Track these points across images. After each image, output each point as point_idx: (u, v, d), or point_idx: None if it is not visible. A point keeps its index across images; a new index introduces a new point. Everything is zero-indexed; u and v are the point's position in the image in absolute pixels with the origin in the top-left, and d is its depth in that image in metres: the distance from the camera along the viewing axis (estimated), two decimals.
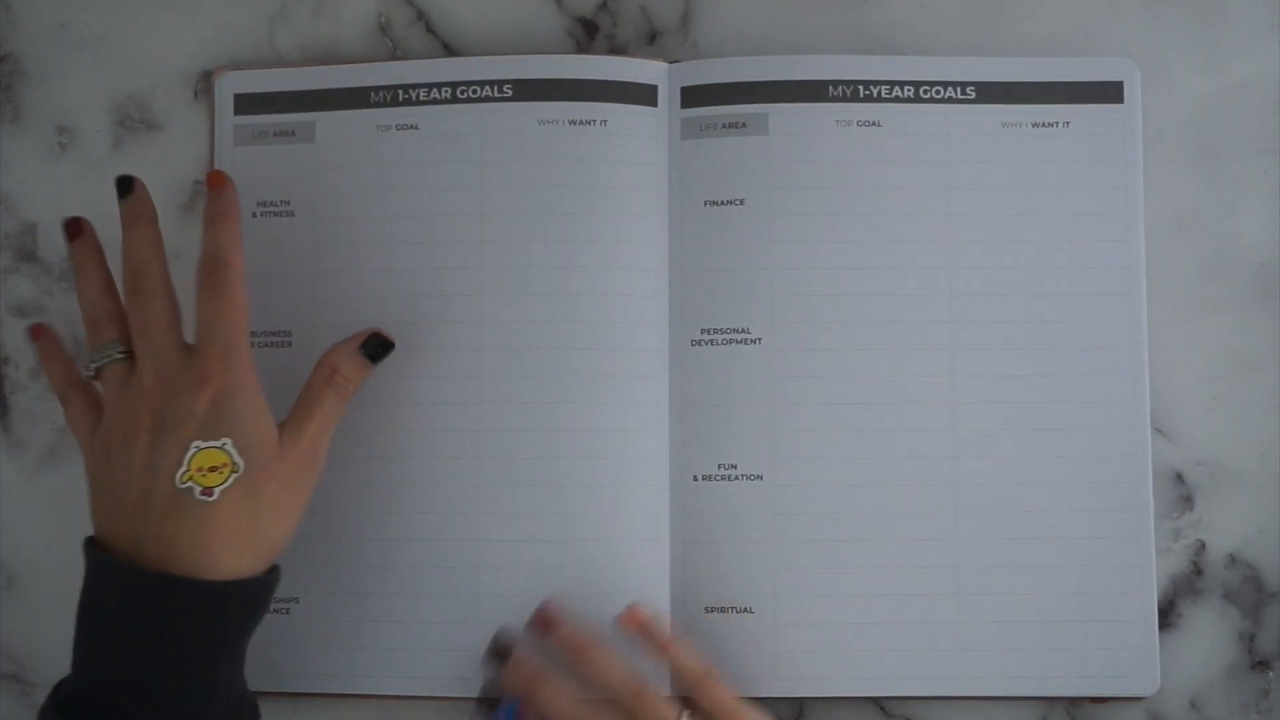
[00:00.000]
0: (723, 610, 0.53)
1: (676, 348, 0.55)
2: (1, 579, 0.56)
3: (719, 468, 0.54)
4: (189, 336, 0.49)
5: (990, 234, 0.55)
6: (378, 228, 0.55)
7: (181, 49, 0.58)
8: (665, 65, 0.56)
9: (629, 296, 0.55)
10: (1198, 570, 0.55)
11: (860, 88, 0.55)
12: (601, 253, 0.55)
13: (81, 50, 0.58)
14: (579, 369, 0.54)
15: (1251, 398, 0.56)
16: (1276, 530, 0.55)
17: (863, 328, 0.54)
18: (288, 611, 0.54)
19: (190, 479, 0.45)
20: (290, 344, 0.55)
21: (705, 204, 0.55)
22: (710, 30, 0.58)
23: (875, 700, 0.54)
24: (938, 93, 0.56)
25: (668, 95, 0.56)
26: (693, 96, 0.56)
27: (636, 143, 0.55)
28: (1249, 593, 0.55)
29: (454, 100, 0.56)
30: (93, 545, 0.46)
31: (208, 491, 0.45)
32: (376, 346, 0.52)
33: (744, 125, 0.55)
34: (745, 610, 0.53)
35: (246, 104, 0.56)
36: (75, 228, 0.51)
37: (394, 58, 0.58)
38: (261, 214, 0.56)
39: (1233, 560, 0.55)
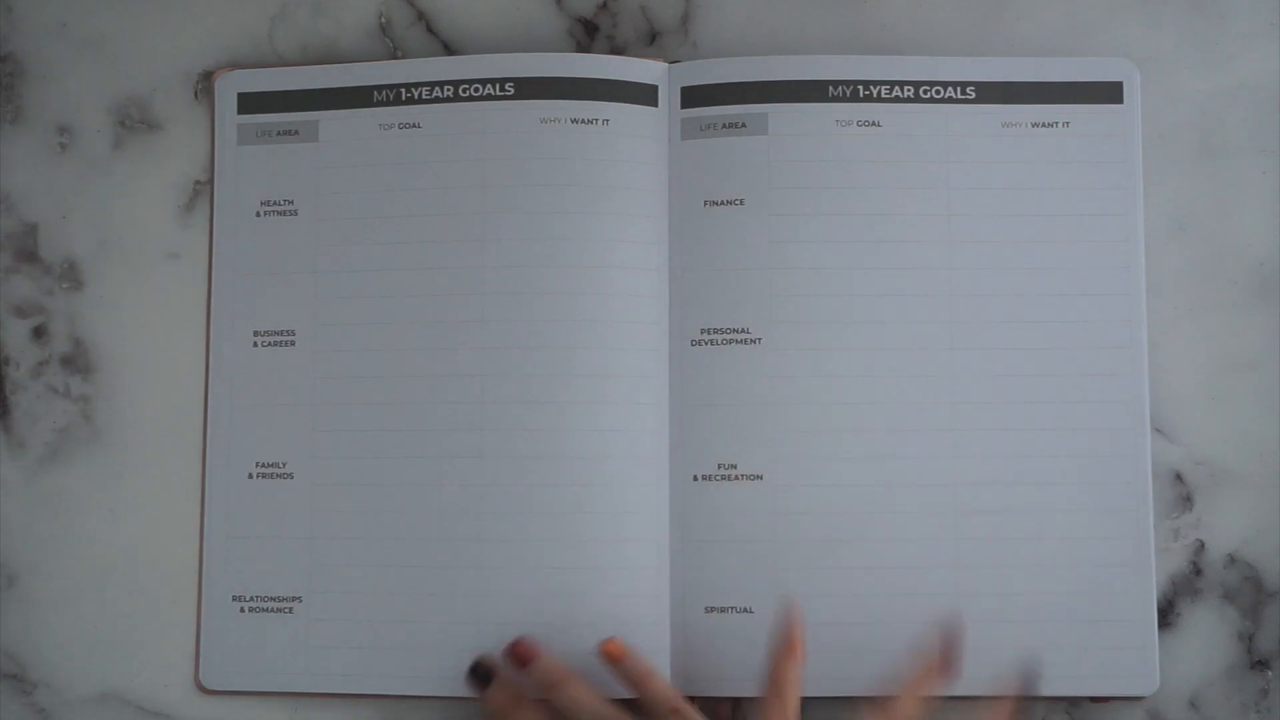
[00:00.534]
0: (722, 610, 0.53)
1: (676, 347, 0.55)
2: (1, 579, 0.56)
3: (718, 467, 0.54)
4: None
5: (990, 234, 0.55)
6: (380, 226, 0.55)
7: (182, 49, 0.58)
8: (665, 65, 0.56)
9: (629, 296, 0.55)
10: (1197, 570, 0.55)
11: (860, 88, 0.55)
12: (601, 252, 0.55)
13: (81, 50, 0.58)
14: (579, 368, 0.54)
15: (1251, 398, 0.56)
16: (1276, 530, 0.55)
17: (862, 328, 0.54)
18: (290, 611, 0.54)
19: None
20: (293, 343, 0.55)
21: (705, 204, 0.55)
22: (710, 30, 0.58)
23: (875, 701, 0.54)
24: (937, 93, 0.56)
25: (668, 95, 0.56)
26: (693, 96, 0.56)
27: (637, 142, 0.55)
28: (1248, 593, 0.55)
29: (456, 99, 0.56)
30: None
31: None
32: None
33: (744, 125, 0.55)
34: (745, 610, 0.53)
35: (249, 103, 0.57)
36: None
37: (394, 58, 0.58)
38: (264, 213, 0.56)
39: (1232, 560, 0.55)
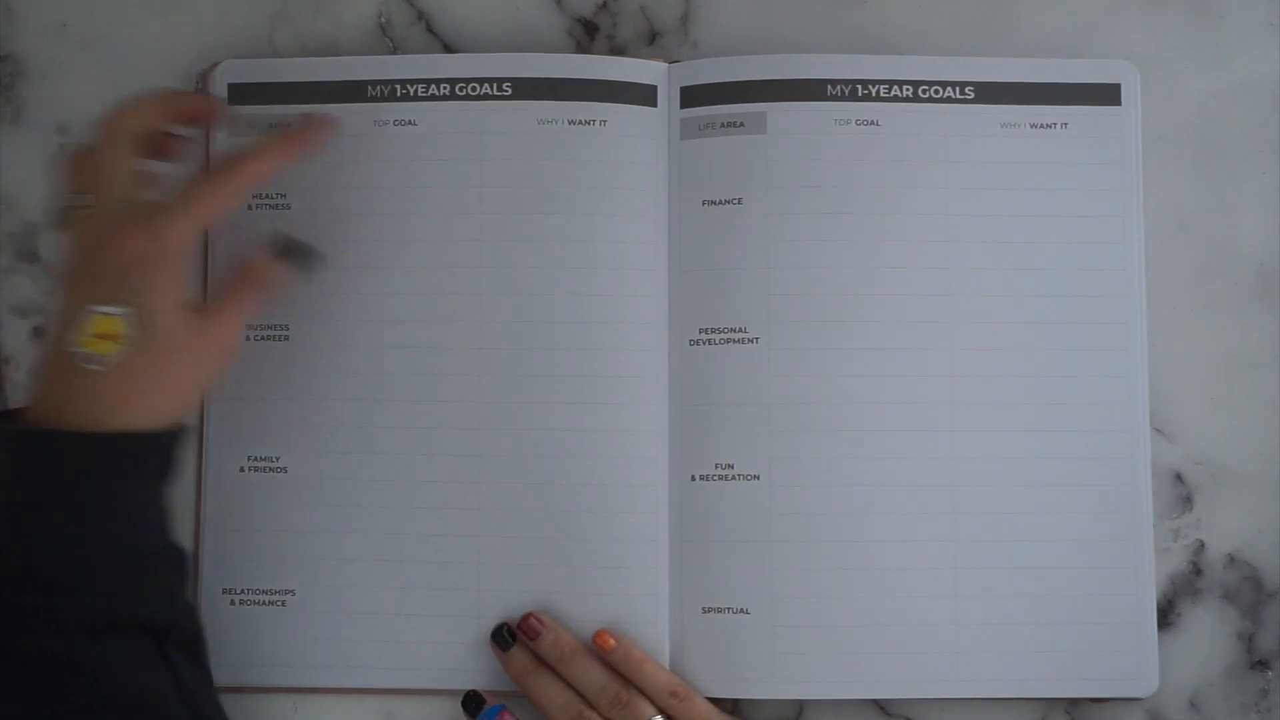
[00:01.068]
0: (719, 610, 0.53)
1: (675, 347, 0.55)
2: None
3: (716, 467, 0.54)
4: None
5: (988, 234, 0.55)
6: (374, 223, 0.55)
7: (181, 49, 0.58)
8: (665, 65, 0.56)
9: (628, 296, 0.55)
10: (1197, 570, 0.55)
11: (859, 87, 0.55)
12: (600, 252, 0.55)
13: (81, 50, 0.58)
14: (577, 368, 0.54)
15: (1251, 398, 0.55)
16: (1276, 530, 0.55)
17: (861, 327, 0.54)
18: (284, 604, 0.54)
19: (81, 343, 0.43)
20: (287, 338, 0.55)
21: (703, 203, 0.55)
22: (710, 30, 0.58)
23: (875, 702, 0.54)
24: (936, 93, 0.56)
25: (667, 95, 0.56)
26: (692, 96, 0.56)
27: (636, 143, 0.55)
28: (1248, 593, 0.55)
29: (453, 97, 0.56)
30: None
31: (97, 359, 0.43)
32: (291, 249, 0.52)
33: (742, 124, 0.55)
34: (742, 611, 0.53)
35: (242, 94, 0.56)
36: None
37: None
38: (257, 206, 0.55)
39: (1232, 560, 0.55)
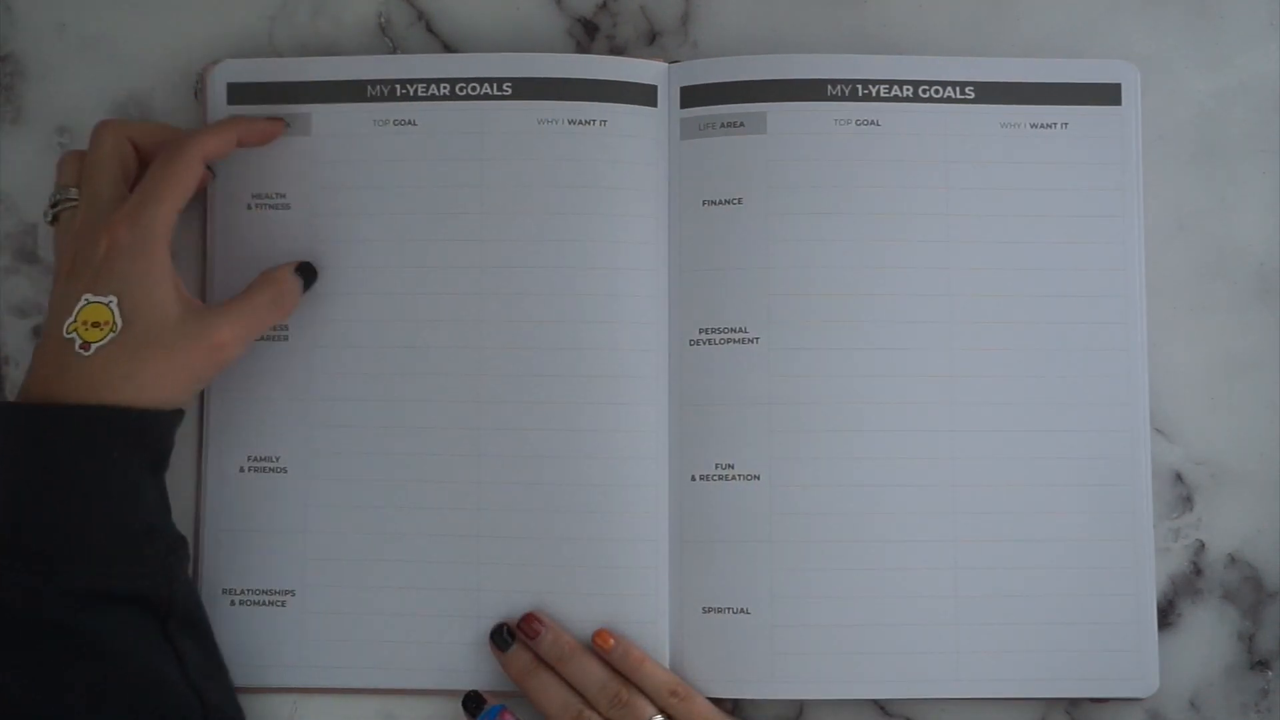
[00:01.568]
0: (720, 610, 0.53)
1: (675, 347, 0.55)
2: None
3: (716, 467, 0.54)
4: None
5: (988, 234, 0.55)
6: (374, 223, 0.55)
7: (181, 49, 0.58)
8: (665, 65, 0.56)
9: (627, 296, 0.55)
10: (1197, 570, 0.55)
11: (859, 87, 0.55)
12: (600, 252, 0.55)
13: (81, 50, 0.58)
14: (577, 368, 0.54)
15: (1251, 398, 0.55)
16: (1276, 530, 0.55)
17: (861, 327, 0.54)
18: (284, 604, 0.54)
19: (74, 329, 0.46)
20: (286, 338, 0.55)
21: (703, 203, 0.55)
22: (710, 30, 0.58)
23: (875, 702, 0.54)
24: (936, 92, 0.56)
25: (667, 95, 0.56)
26: (692, 96, 0.56)
27: (636, 143, 0.55)
28: (1248, 593, 0.55)
29: (453, 97, 0.56)
30: None
31: (85, 346, 0.46)
32: (309, 273, 0.54)
33: (742, 124, 0.55)
34: (742, 611, 0.53)
35: (240, 94, 0.56)
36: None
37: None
38: (257, 205, 0.55)
39: (1232, 560, 0.55)
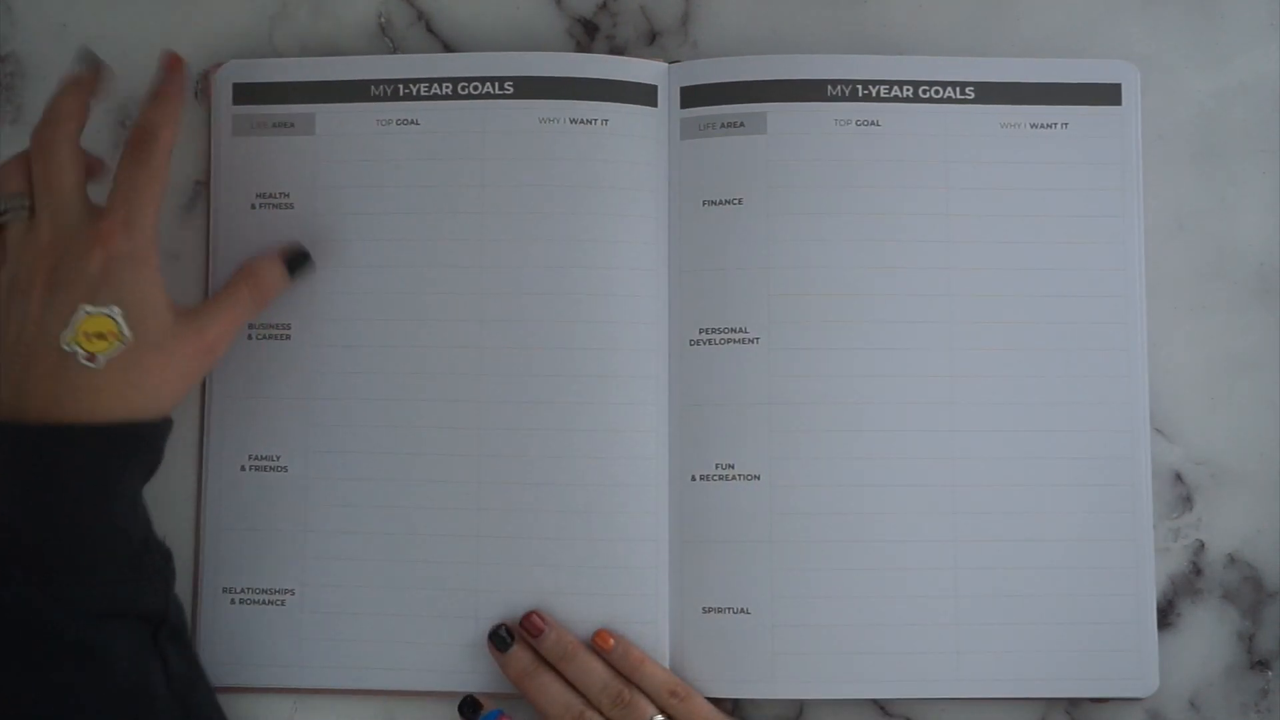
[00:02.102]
0: (720, 610, 0.53)
1: (675, 347, 0.55)
2: None
3: (717, 467, 0.54)
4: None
5: (988, 234, 0.55)
6: (377, 222, 0.55)
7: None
8: (665, 65, 0.56)
9: (627, 296, 0.55)
10: (1197, 570, 0.55)
11: (859, 87, 0.55)
12: (600, 252, 0.55)
13: None
14: (577, 368, 0.54)
15: (1251, 398, 0.55)
16: (1276, 530, 0.55)
17: (861, 327, 0.54)
18: (283, 604, 0.54)
19: (75, 342, 0.45)
20: (289, 336, 0.55)
21: (704, 203, 0.55)
22: (710, 30, 0.58)
23: (875, 701, 0.54)
24: (936, 93, 0.56)
25: (667, 95, 0.56)
26: (692, 96, 0.56)
27: (636, 142, 0.55)
28: (1248, 593, 0.55)
29: (454, 96, 0.56)
30: None
31: (91, 357, 0.45)
32: (297, 258, 0.54)
33: (742, 124, 0.55)
34: (742, 611, 0.53)
35: (246, 94, 0.56)
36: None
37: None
38: (260, 205, 0.56)
39: (1232, 560, 0.55)
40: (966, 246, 0.55)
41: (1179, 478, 0.55)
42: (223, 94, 0.56)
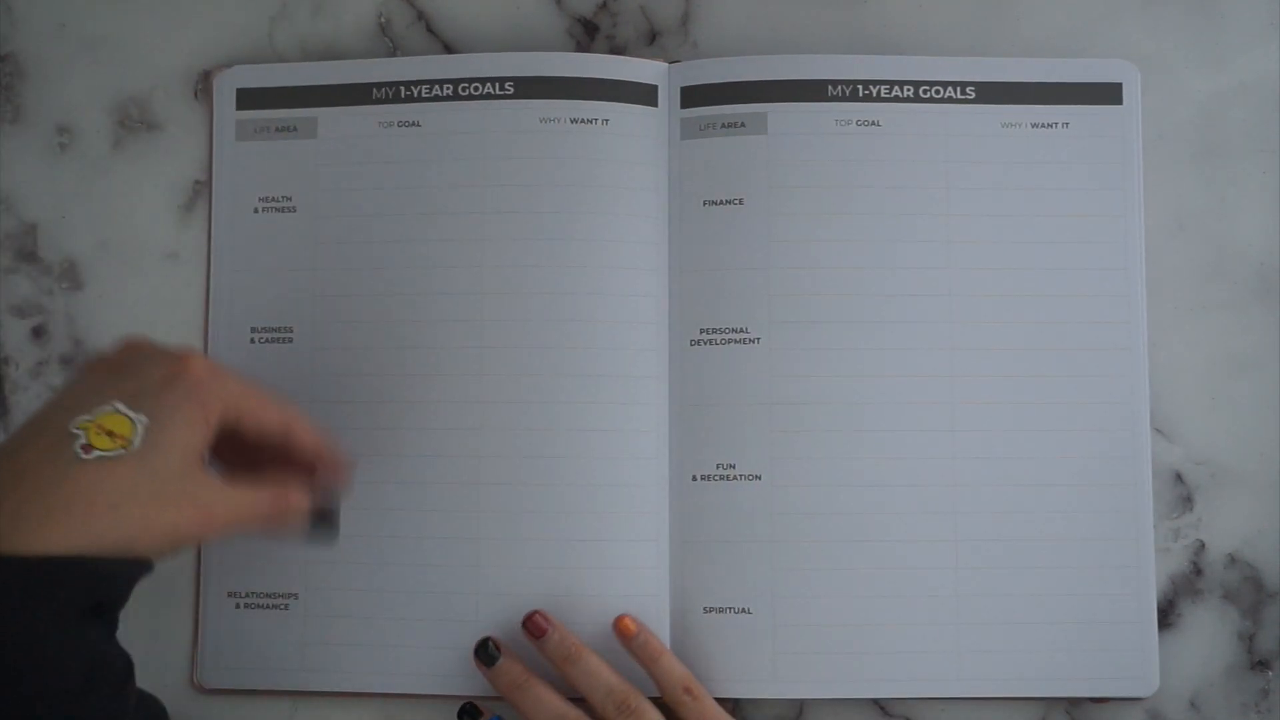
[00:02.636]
0: (721, 610, 0.53)
1: (675, 347, 0.55)
2: None
3: (717, 468, 0.54)
4: None
5: (989, 234, 0.55)
6: (379, 224, 0.55)
7: (181, 49, 0.58)
8: (665, 65, 0.56)
9: (628, 296, 0.55)
10: (1197, 570, 0.55)
11: (859, 87, 0.55)
12: (601, 252, 0.55)
13: (81, 50, 0.58)
14: (578, 368, 0.54)
15: (1251, 398, 0.55)
16: (1276, 530, 0.55)
17: (861, 327, 0.54)
18: (286, 608, 0.54)
19: (83, 428, 0.41)
20: (291, 339, 0.55)
21: (704, 203, 0.55)
22: (710, 30, 0.58)
23: (875, 701, 0.54)
24: (937, 93, 0.56)
25: (668, 95, 0.56)
26: (692, 96, 0.56)
27: (637, 142, 0.55)
28: (1249, 593, 0.55)
29: (455, 98, 0.56)
30: None
31: (88, 449, 0.41)
32: (325, 521, 0.48)
33: (743, 125, 0.55)
34: (744, 611, 0.53)
35: (248, 99, 0.57)
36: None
37: (394, 57, 0.58)
38: (263, 209, 0.56)
39: (1232, 560, 0.55)
40: (967, 246, 0.55)
41: (1179, 478, 0.55)
42: (226, 99, 0.56)
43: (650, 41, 0.58)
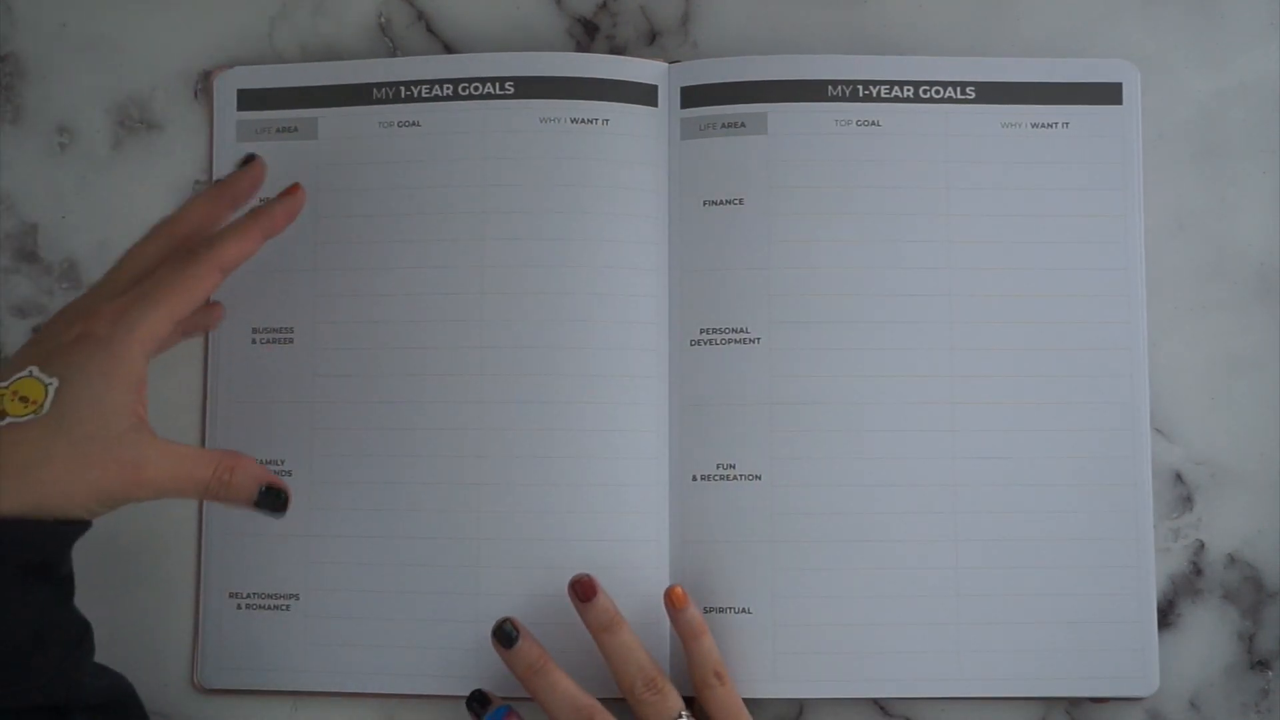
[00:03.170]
0: (721, 610, 0.53)
1: (675, 347, 0.55)
2: None
3: (718, 468, 0.54)
4: None
5: (989, 234, 0.55)
6: (379, 225, 0.55)
7: (181, 49, 0.58)
8: (665, 65, 0.56)
9: (628, 296, 0.55)
10: (1197, 570, 0.55)
11: (859, 87, 0.55)
12: (601, 252, 0.55)
13: (81, 50, 0.58)
14: (578, 368, 0.54)
15: (1251, 398, 0.55)
16: (1276, 530, 0.55)
17: (862, 327, 0.54)
18: (287, 608, 0.54)
19: (2, 395, 0.41)
20: (291, 340, 0.55)
21: (704, 204, 0.55)
22: (710, 30, 0.58)
23: (875, 701, 0.54)
24: (937, 93, 0.56)
25: (667, 95, 0.56)
26: (692, 96, 0.56)
27: (636, 142, 0.55)
28: (1248, 593, 0.55)
29: (455, 98, 0.56)
30: None
31: (1, 415, 0.41)
32: (272, 497, 0.47)
33: (743, 125, 0.55)
34: (744, 610, 0.53)
35: (249, 100, 0.57)
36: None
37: (394, 57, 0.58)
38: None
39: (1232, 560, 0.55)
40: (967, 246, 0.55)
41: (1179, 478, 0.55)
42: (226, 100, 0.56)
43: (650, 41, 0.58)
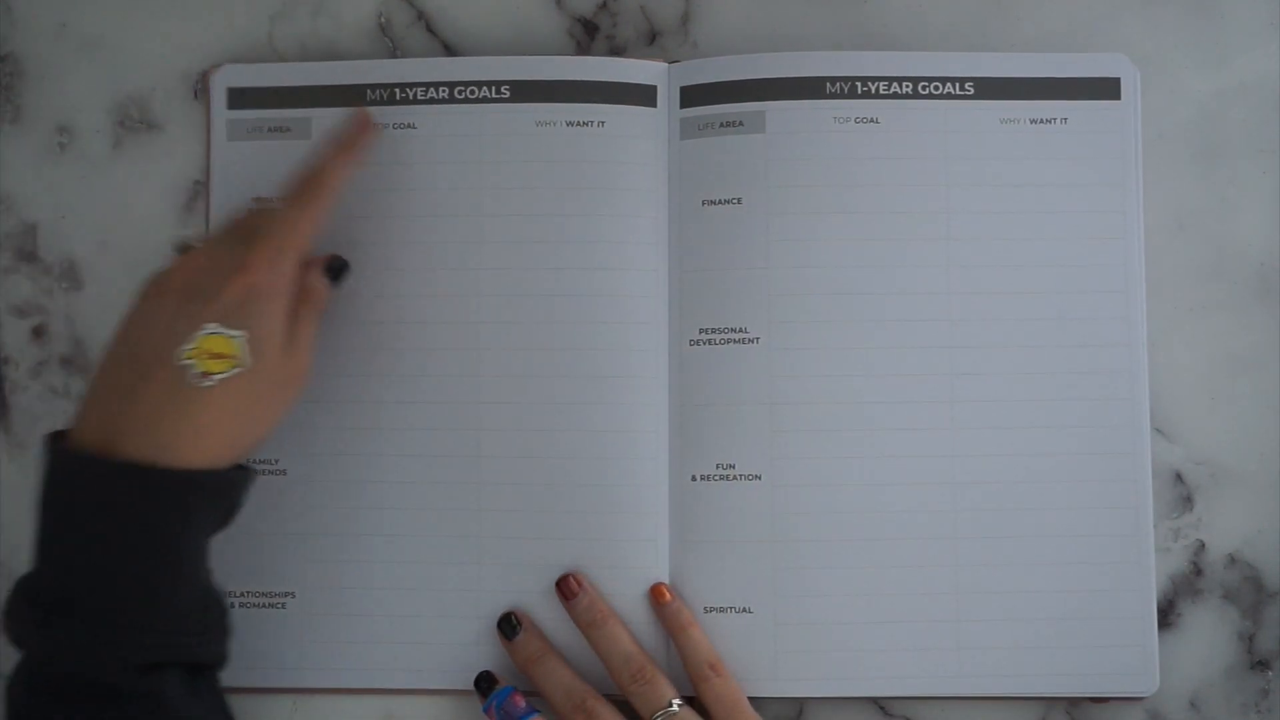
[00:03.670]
0: (721, 610, 0.53)
1: (675, 348, 0.55)
2: (2, 579, 0.56)
3: (717, 467, 0.54)
4: None
5: (989, 231, 0.55)
6: (374, 226, 0.55)
7: (181, 49, 0.58)
8: (664, 65, 0.56)
9: (627, 296, 0.55)
10: (1197, 570, 0.55)
11: (858, 84, 0.55)
12: (599, 253, 0.55)
13: (81, 50, 0.58)
14: (577, 369, 0.54)
15: (1251, 398, 0.55)
16: (1276, 530, 0.55)
17: (861, 326, 0.54)
18: (284, 606, 0.54)
19: (192, 357, 0.44)
20: None
21: (703, 203, 0.55)
22: (710, 30, 0.58)
23: (875, 700, 0.54)
24: (936, 89, 0.56)
25: (667, 95, 0.56)
26: (691, 96, 0.56)
27: (635, 143, 0.55)
28: (1249, 593, 0.55)
29: (451, 100, 0.56)
30: (56, 439, 0.45)
31: (206, 375, 0.44)
32: (338, 268, 0.53)
33: (741, 123, 0.55)
34: (744, 610, 0.53)
35: (241, 98, 0.56)
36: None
37: (394, 58, 0.58)
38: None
39: (1232, 560, 0.55)
40: (966, 244, 0.55)
41: (1179, 478, 0.55)
42: (218, 99, 0.56)
43: (650, 42, 0.58)
